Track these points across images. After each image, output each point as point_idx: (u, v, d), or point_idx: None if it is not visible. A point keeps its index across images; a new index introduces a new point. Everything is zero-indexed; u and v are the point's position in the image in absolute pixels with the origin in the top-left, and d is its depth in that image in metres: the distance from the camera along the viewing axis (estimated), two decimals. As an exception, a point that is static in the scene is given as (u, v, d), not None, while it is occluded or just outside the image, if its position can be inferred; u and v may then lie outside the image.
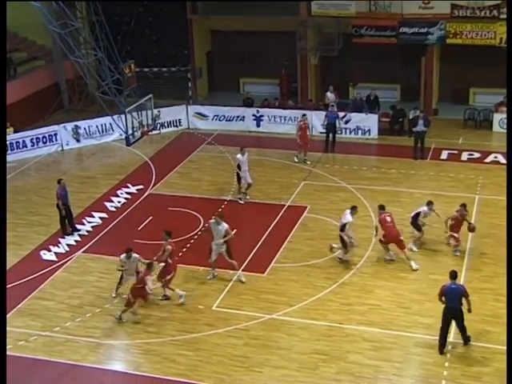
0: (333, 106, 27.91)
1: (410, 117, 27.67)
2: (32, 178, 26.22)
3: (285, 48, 31.49)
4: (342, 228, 19.10)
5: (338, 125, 27.32)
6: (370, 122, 28.36)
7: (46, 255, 20.34)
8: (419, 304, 17.33)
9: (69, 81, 32.72)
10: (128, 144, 24.30)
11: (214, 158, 27.04)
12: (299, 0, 30.23)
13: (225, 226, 18.25)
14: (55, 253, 20.46)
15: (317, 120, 28.36)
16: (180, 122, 30.31)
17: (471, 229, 19.61)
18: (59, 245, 20.88)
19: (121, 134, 26.44)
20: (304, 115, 26.47)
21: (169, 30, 32.89)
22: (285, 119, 29.25)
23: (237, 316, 17.13)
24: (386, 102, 29.98)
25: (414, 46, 29.65)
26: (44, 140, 28.06)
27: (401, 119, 28.68)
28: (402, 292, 17.87)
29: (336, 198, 23.25)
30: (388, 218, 19.22)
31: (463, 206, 19.65)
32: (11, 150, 27.25)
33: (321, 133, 27.85)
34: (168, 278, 17.70)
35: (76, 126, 28.69)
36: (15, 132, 27.80)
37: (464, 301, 15.32)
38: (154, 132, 27.12)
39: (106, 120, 28.12)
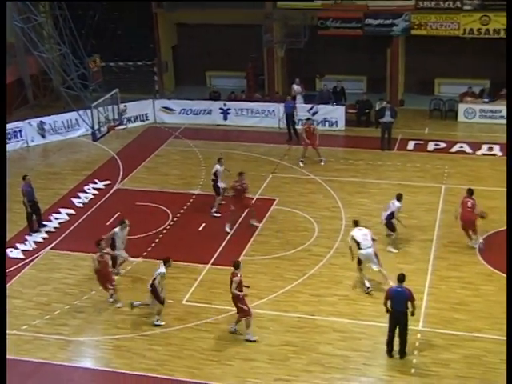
0: (295, 97, 28.03)
1: (377, 108, 27.84)
2: (-3, 175, 25.86)
3: (251, 41, 31.41)
4: (390, 216, 19.13)
5: (295, 115, 27.29)
6: (336, 113, 28.48)
7: (13, 253, 20.11)
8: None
9: (33, 76, 32.30)
10: (94, 139, 24.06)
11: (181, 152, 26.95)
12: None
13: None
14: (22, 250, 20.26)
15: (282, 112, 28.39)
16: (147, 117, 30.15)
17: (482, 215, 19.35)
18: (26, 242, 20.67)
19: (87, 130, 26.17)
20: (308, 119, 26.14)
21: (134, 24, 32.64)
22: (252, 112, 29.24)
23: (207, 310, 17.13)
24: (353, 94, 30.12)
25: (379, 37, 29.80)
26: (8, 136, 27.63)
27: (367, 110, 28.83)
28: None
29: (304, 190, 23.33)
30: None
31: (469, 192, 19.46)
32: (-25, 147, 26.86)
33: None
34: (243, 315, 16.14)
35: (41, 121, 28.39)
36: (-22, 129, 27.40)
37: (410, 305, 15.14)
38: (120, 127, 26.91)
39: (72, 115, 27.79)
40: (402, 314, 14.97)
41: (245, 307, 15.89)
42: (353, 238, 17.72)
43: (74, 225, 21.64)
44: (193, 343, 15.94)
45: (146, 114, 30.10)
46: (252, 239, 20.28)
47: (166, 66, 33.11)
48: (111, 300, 17.54)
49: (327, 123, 28.55)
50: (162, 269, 16.68)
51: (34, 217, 21.51)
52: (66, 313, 17.12)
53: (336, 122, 28.47)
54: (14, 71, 32.19)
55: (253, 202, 21.79)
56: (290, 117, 27.29)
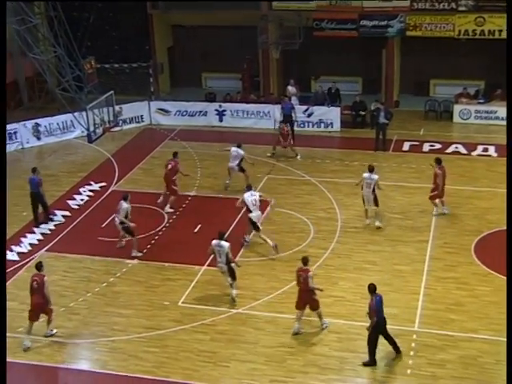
0: (290, 99, 28.10)
1: (372, 109, 27.88)
2: (-8, 177, 25.80)
3: (246, 42, 31.43)
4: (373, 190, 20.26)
5: (294, 116, 27.33)
6: (332, 115, 28.51)
7: (8, 255, 20.02)
8: (384, 294, 17.12)
9: (28, 78, 32.27)
10: (90, 141, 24.06)
11: (177, 153, 26.93)
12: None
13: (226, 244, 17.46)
14: (17, 252, 20.21)
15: (279, 114, 28.40)
16: (142, 118, 30.14)
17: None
18: (21, 244, 20.63)
19: (82, 131, 26.19)
20: (281, 121, 26.56)
21: (129, 26, 32.67)
22: (247, 113, 29.26)
23: (203, 311, 17.11)
24: (348, 95, 30.16)
25: (374, 38, 29.85)
26: (4, 138, 27.65)
27: (362, 113, 28.85)
28: (366, 283, 17.65)
29: (300, 191, 23.34)
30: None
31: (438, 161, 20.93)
32: (-30, 149, 26.82)
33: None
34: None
35: (36, 123, 28.36)
36: (-27, 131, 27.34)
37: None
38: (115, 128, 26.93)
39: (67, 117, 27.80)
40: (384, 319, 14.97)
41: (318, 298, 16.07)
42: (243, 201, 19.62)
43: (70, 227, 21.60)
44: (189, 345, 15.92)
45: (142, 116, 30.10)
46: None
47: (161, 68, 33.12)
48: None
49: (322, 124, 28.58)
50: (126, 204, 19.12)
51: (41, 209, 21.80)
52: (61, 315, 17.05)
53: (331, 123, 28.50)
54: (9, 73, 32.06)
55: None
56: (288, 118, 27.25)
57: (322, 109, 28.62)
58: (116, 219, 19.77)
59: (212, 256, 17.95)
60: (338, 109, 28.62)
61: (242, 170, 23.39)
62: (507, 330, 14.19)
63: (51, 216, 22.00)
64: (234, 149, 23.42)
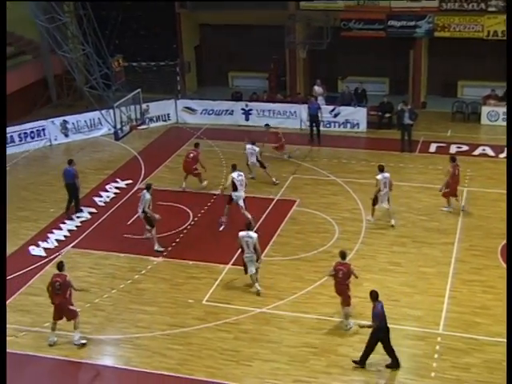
0: (316, 99, 28.09)
1: (398, 109, 27.74)
2: (20, 173, 26.10)
3: (273, 42, 31.41)
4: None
5: (320, 116, 27.30)
6: (358, 115, 28.41)
7: (35, 250, 20.28)
8: (408, 296, 17.40)
9: (57, 75, 32.55)
10: (117, 139, 24.21)
11: (202, 152, 26.78)
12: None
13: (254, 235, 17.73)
14: (44, 248, 20.40)
15: (305, 114, 28.42)
16: (169, 117, 30.27)
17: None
18: (48, 240, 20.82)
19: (109, 129, 26.32)
20: (267, 125, 26.50)
21: (157, 24, 32.83)
22: (273, 113, 29.26)
23: (227, 310, 17.15)
24: (375, 96, 30.05)
25: (402, 39, 29.69)
26: (32, 135, 27.97)
27: (389, 113, 28.72)
28: (390, 285, 17.93)
29: (325, 191, 23.29)
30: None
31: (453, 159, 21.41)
32: (-1, 145, 27.17)
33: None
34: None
35: (64, 120, 28.61)
36: (3, 127, 27.67)
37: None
38: (142, 126, 27.00)
39: (95, 115, 28.02)
40: (387, 328, 14.81)
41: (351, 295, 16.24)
42: (232, 180, 20.47)
43: (96, 223, 21.76)
44: (213, 343, 15.97)
45: (168, 114, 30.23)
46: (272, 240, 20.28)
47: (188, 66, 33.22)
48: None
49: (349, 125, 28.50)
50: (148, 195, 19.35)
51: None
52: (86, 311, 17.19)
53: (358, 123, 28.41)
54: (38, 71, 32.50)
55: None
56: (314, 118, 27.26)
57: (349, 109, 28.54)
58: (138, 210, 19.92)
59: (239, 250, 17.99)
60: (365, 109, 28.52)
61: (262, 165, 23.69)
62: (507, 330, 14.10)
63: (78, 212, 22.17)
64: (249, 146, 23.76)
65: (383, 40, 30.01)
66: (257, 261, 17.59)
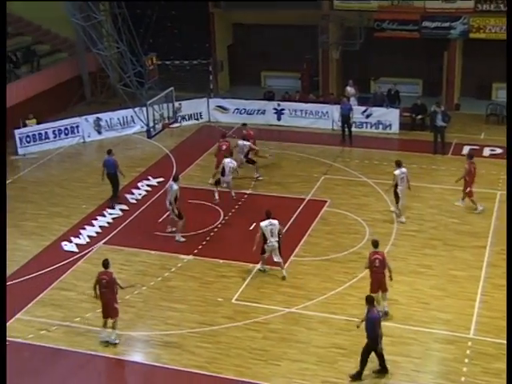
0: (348, 99, 28.03)
1: (431, 110, 27.53)
2: (54, 170, 26.42)
3: (306, 42, 31.43)
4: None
5: (351, 117, 27.22)
6: (391, 116, 28.25)
7: (67, 246, 20.52)
8: (438, 300, 17.28)
9: (91, 73, 32.88)
10: (149, 136, 24.43)
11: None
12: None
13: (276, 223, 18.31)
14: (76, 244, 20.62)
15: (338, 114, 28.36)
16: (201, 115, 30.38)
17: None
18: (80, 236, 21.04)
19: (142, 127, 26.59)
20: (244, 124, 26.52)
21: (191, 23, 32.97)
22: (306, 113, 29.22)
23: (256, 309, 17.18)
24: (408, 97, 29.84)
25: (436, 40, 29.46)
26: (66, 132, 28.26)
27: (420, 116, 28.49)
28: (420, 287, 17.83)
29: (357, 192, 23.22)
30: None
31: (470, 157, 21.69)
32: (34, 141, 27.54)
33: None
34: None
35: (98, 118, 28.87)
36: (38, 124, 28.05)
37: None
38: (174, 125, 27.23)
39: (128, 112, 28.27)
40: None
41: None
42: (222, 166, 22.05)
43: (127, 220, 21.94)
44: (241, 342, 16.01)
45: (201, 113, 30.34)
46: (303, 240, 20.28)
47: (221, 66, 33.33)
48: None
49: (381, 126, 28.36)
50: (176, 186, 19.70)
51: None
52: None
53: (390, 125, 28.25)
54: (73, 68, 32.85)
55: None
56: (346, 119, 27.21)
57: (381, 110, 28.40)
58: (166, 202, 20.07)
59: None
60: (397, 110, 28.35)
61: (251, 162, 24.39)
62: (507, 330, 13.92)
63: (116, 203, 22.57)
64: (240, 142, 24.40)
65: (417, 41, 29.79)
66: (279, 248, 18.13)
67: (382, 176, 24.29)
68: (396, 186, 20.88)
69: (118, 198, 22.83)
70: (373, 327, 14.38)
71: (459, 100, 30.91)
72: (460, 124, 28.32)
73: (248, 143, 24.32)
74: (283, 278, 18.22)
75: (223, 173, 22.30)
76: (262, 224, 18.02)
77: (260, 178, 24.21)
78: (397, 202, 21.09)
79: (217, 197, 22.44)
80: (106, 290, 15.84)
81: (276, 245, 18.10)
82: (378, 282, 16.43)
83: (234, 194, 22.65)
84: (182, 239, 20.30)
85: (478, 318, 16.48)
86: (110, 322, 16.09)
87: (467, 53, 30.49)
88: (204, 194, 23.28)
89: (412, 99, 29.41)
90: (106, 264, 16.05)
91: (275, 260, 18.28)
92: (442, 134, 26.11)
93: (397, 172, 20.85)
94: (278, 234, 18.13)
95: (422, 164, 25.08)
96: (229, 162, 22.33)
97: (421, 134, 27.92)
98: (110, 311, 15.98)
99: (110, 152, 22.80)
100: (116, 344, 16.06)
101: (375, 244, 16.59)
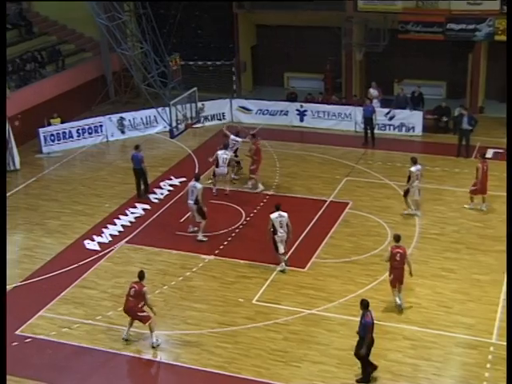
0: (371, 101, 27.97)
1: (455, 114, 27.34)
2: (77, 168, 26.60)
3: (330, 43, 31.35)
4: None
5: (374, 119, 27.14)
6: (414, 118, 28.10)
7: (90, 244, 20.65)
8: (461, 304, 17.16)
9: (115, 73, 33.07)
10: (172, 136, 24.52)
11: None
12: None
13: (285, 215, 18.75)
14: (99, 242, 20.75)
15: (360, 116, 28.32)
16: (224, 116, 30.43)
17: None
18: (103, 235, 21.17)
19: (165, 127, 26.70)
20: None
21: (214, 24, 33.08)
22: (328, 114, 29.14)
23: (276, 310, 17.18)
24: (432, 99, 29.64)
25: (460, 42, 29.25)
26: (90, 131, 28.46)
27: (445, 119, 28.32)
28: (442, 291, 17.72)
29: (379, 194, 23.12)
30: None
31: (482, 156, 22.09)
32: (58, 140, 27.76)
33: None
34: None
35: (121, 117, 29.02)
36: (62, 122, 28.26)
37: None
38: (197, 125, 27.29)
39: (151, 112, 28.41)
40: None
41: None
42: (215, 157, 22.55)
43: (149, 220, 22.03)
44: (261, 343, 16.01)
45: (223, 113, 30.39)
46: (324, 242, 20.24)
47: (244, 66, 33.37)
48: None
49: (404, 128, 28.21)
50: (199, 185, 19.87)
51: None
52: (138, 306, 17.43)
53: (413, 127, 28.10)
54: (97, 68, 33.07)
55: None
56: (368, 121, 27.12)
57: (404, 112, 28.26)
58: (189, 201, 20.14)
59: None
60: (421, 113, 28.19)
61: (238, 162, 24.71)
62: (507, 330, 13.84)
63: (148, 194, 23.26)
64: (232, 137, 24.51)
65: (441, 43, 29.61)
66: (288, 238, 18.62)
67: (405, 178, 24.09)
68: (412, 182, 21.22)
69: (146, 191, 23.43)
70: (365, 331, 14.38)
71: (483, 103, 30.67)
72: (484, 127, 28.05)
73: (240, 140, 24.53)
74: (283, 271, 18.62)
75: (217, 164, 22.78)
76: (272, 216, 18.48)
77: (235, 179, 24.30)
78: (405, 196, 21.49)
79: (214, 190, 23.17)
80: (132, 299, 15.86)
81: (285, 236, 18.56)
82: (399, 277, 16.66)
83: (228, 190, 23.08)
84: (205, 239, 20.36)
85: (500, 323, 16.33)
86: (146, 326, 16.10)
87: (492, 55, 30.23)
88: (225, 194, 23.30)
89: (435, 102, 29.22)
90: (141, 276, 16.06)
91: (280, 251, 18.61)
92: (467, 137, 25.93)
93: (413, 169, 21.23)
94: (286, 225, 18.52)
95: (444, 167, 24.92)
96: (222, 154, 22.72)
97: (444, 136, 27.76)
98: (133, 317, 16.05)
99: (137, 147, 23.22)
100: (158, 345, 16.07)
101: (397, 238, 16.86)
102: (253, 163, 23.63)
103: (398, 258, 16.56)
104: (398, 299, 16.85)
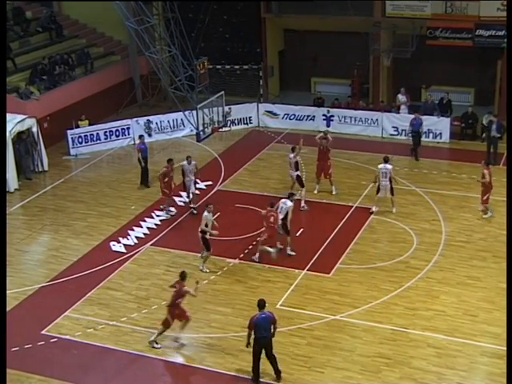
0: (397, 107, 27.86)
1: (484, 122, 27.12)
2: (104, 170, 26.81)
3: (357, 49, 31.29)
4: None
5: (421, 131, 26.90)
6: (441, 125, 27.93)
7: (116, 246, 20.80)
8: (487, 312, 17.02)
9: (143, 76, 33.29)
10: (198, 140, 24.56)
11: (282, 156, 26.95)
12: (374, -1, 30.03)
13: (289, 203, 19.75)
14: (124, 244, 20.89)
15: (387, 122, 28.22)
16: (250, 120, 30.48)
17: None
18: (128, 237, 21.31)
19: (191, 130, 26.77)
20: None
21: (242, 28, 33.16)
22: (355, 120, 29.08)
23: (300, 315, 17.17)
24: (460, 106, 29.45)
25: (490, 49, 29.03)
26: (117, 133, 28.66)
27: (473, 124, 28.10)
28: (468, 299, 17.58)
29: (405, 201, 23.00)
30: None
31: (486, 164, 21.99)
32: (85, 142, 28.00)
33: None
34: None
35: (148, 120, 29.19)
36: (90, 125, 28.50)
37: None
38: (224, 129, 27.33)
39: (178, 116, 28.54)
40: (268, 339, 14.66)
41: None
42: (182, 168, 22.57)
43: (175, 223, 22.12)
44: (285, 348, 15.99)
45: (250, 118, 30.45)
46: (349, 248, 20.18)
47: (271, 71, 33.40)
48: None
49: (431, 135, 28.04)
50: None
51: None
52: (162, 308, 17.39)
53: (440, 133, 27.93)
54: (125, 71, 33.32)
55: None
56: (415, 134, 26.61)
57: (432, 119, 28.06)
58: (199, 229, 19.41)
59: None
60: (448, 119, 28.01)
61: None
62: (507, 330, 13.73)
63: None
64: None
65: (470, 49, 29.40)
66: (284, 228, 19.63)
67: (431, 185, 24.05)
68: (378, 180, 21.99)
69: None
70: (257, 327, 14.52)
71: (512, 110, 30.36)
72: (512, 134, 27.79)
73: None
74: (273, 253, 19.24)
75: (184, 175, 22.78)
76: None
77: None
78: (376, 194, 22.11)
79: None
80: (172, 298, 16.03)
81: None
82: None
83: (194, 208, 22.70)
84: (207, 270, 19.38)
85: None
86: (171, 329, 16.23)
87: (522, 62, 29.94)
88: (251, 198, 23.34)
89: (463, 108, 29.00)
90: (182, 276, 16.06)
91: (279, 232, 19.66)
92: (495, 144, 25.73)
93: (380, 166, 21.94)
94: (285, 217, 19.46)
95: (471, 174, 24.70)
96: (187, 164, 22.72)
97: (471, 143, 27.57)
98: (174, 316, 16.17)
99: (140, 137, 25.40)
100: (181, 344, 16.24)
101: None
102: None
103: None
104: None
